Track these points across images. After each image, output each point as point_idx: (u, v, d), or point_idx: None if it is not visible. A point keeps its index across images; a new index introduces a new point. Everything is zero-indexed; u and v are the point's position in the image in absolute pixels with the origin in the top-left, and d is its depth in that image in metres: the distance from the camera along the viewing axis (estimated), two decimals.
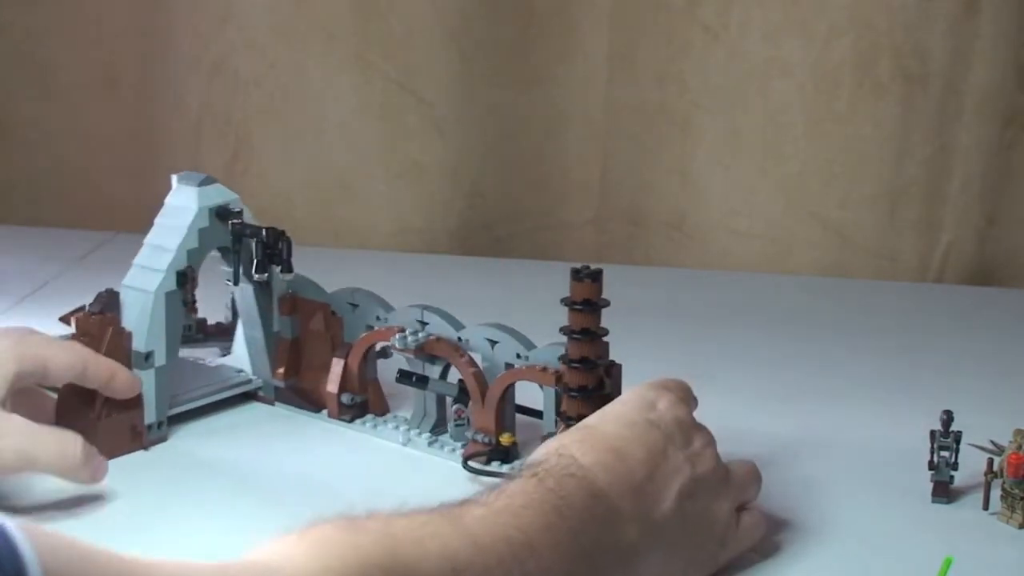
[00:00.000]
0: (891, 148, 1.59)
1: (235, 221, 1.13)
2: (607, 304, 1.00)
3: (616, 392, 1.00)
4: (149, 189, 1.72)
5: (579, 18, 1.62)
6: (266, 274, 1.14)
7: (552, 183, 1.68)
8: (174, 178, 1.14)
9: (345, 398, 1.14)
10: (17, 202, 1.75)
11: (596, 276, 0.99)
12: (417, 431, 1.12)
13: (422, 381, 1.10)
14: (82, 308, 1.15)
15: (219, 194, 1.13)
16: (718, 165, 1.64)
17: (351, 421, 1.15)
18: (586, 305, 0.99)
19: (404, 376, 1.10)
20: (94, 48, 1.70)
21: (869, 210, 1.61)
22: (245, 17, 1.64)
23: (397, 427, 1.13)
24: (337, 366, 1.14)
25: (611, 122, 1.65)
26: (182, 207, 1.12)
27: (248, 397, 1.21)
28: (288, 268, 1.14)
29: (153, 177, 1.73)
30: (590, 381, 1.00)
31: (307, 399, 1.18)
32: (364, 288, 1.16)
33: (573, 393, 1.00)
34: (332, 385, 1.14)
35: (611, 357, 1.02)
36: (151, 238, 1.12)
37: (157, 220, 1.13)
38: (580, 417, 0.95)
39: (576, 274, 0.99)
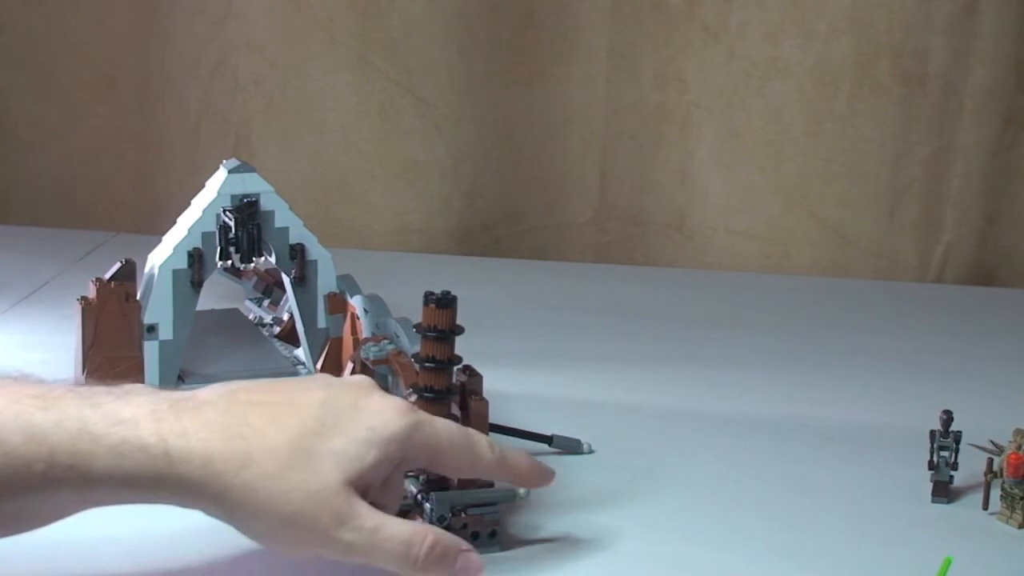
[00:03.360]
0: (891, 148, 1.59)
1: (229, 208, 1.12)
2: (461, 331, 0.93)
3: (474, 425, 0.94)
4: (149, 189, 1.74)
5: (579, 18, 1.62)
6: (229, 261, 1.13)
7: (552, 183, 1.68)
8: (222, 163, 1.16)
9: None
10: (17, 202, 1.74)
11: (448, 303, 0.92)
12: None
13: None
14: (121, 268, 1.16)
15: (248, 182, 1.14)
16: (718, 165, 1.64)
17: None
18: (437, 333, 0.92)
19: None
20: (94, 48, 1.70)
21: (869, 210, 1.61)
22: (245, 17, 1.64)
23: None
24: (347, 370, 1.14)
25: (611, 122, 1.65)
26: (209, 190, 1.14)
27: None
28: (246, 259, 1.13)
29: (153, 177, 1.74)
30: (439, 412, 0.92)
31: None
32: (374, 292, 1.16)
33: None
34: None
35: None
36: (181, 217, 1.15)
37: (192, 200, 1.16)
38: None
39: (426, 300, 0.93)
